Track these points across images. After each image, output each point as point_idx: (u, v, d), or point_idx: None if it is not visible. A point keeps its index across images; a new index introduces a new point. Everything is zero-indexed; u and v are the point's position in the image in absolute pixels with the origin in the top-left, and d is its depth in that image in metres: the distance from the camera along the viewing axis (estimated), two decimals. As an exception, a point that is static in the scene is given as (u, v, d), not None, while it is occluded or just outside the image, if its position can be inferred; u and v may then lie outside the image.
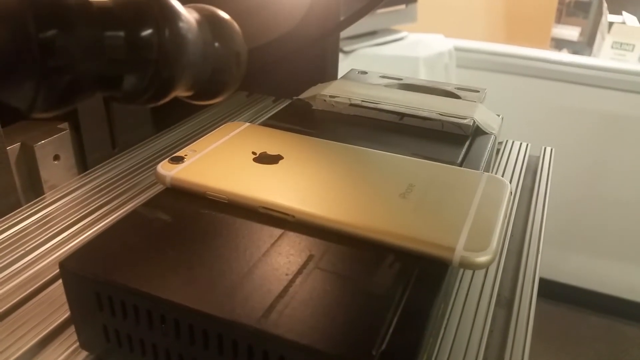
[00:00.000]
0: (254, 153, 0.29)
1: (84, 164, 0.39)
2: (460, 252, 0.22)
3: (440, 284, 0.21)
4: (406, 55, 1.06)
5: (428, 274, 0.21)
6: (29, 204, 0.33)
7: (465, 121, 0.33)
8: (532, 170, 0.40)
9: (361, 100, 0.35)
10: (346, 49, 1.06)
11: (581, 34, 1.65)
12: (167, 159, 0.28)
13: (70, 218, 0.32)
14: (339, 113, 0.36)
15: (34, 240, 0.30)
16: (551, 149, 0.42)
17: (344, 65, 1.04)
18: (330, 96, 0.36)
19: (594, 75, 1.23)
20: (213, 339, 0.19)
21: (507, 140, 0.44)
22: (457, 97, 0.37)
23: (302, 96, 0.38)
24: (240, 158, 0.28)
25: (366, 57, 1.06)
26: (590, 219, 1.33)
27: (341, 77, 0.41)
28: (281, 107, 0.37)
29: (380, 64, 1.06)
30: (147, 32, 0.16)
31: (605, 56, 1.45)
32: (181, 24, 0.17)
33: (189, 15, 0.18)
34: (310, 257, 0.22)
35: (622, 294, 1.36)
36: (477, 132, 0.33)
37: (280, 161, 0.28)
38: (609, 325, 1.35)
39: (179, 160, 0.28)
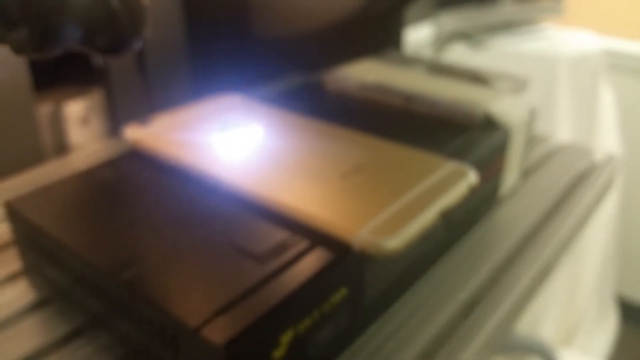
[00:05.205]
0: (221, 122, 0.29)
1: (116, 130, 0.41)
2: (364, 235, 0.20)
3: (329, 265, 0.19)
4: (543, 55, 0.96)
5: (321, 254, 0.20)
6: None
7: (472, 110, 0.29)
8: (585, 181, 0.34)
9: (372, 80, 0.33)
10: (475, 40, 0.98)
11: None
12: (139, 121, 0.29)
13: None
14: (346, 92, 0.34)
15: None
16: (612, 157, 0.35)
17: (470, 60, 0.97)
18: (344, 76, 0.34)
19: None
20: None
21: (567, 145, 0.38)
22: (487, 84, 0.33)
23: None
24: (206, 129, 0.28)
25: (497, 54, 0.98)
26: None
27: (375, 57, 0.39)
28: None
29: (513, 62, 0.97)
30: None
31: None
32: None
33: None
34: (212, 228, 0.21)
35: None
36: (488, 124, 0.29)
37: (240, 130, 0.28)
38: None
39: (149, 123, 0.29)
